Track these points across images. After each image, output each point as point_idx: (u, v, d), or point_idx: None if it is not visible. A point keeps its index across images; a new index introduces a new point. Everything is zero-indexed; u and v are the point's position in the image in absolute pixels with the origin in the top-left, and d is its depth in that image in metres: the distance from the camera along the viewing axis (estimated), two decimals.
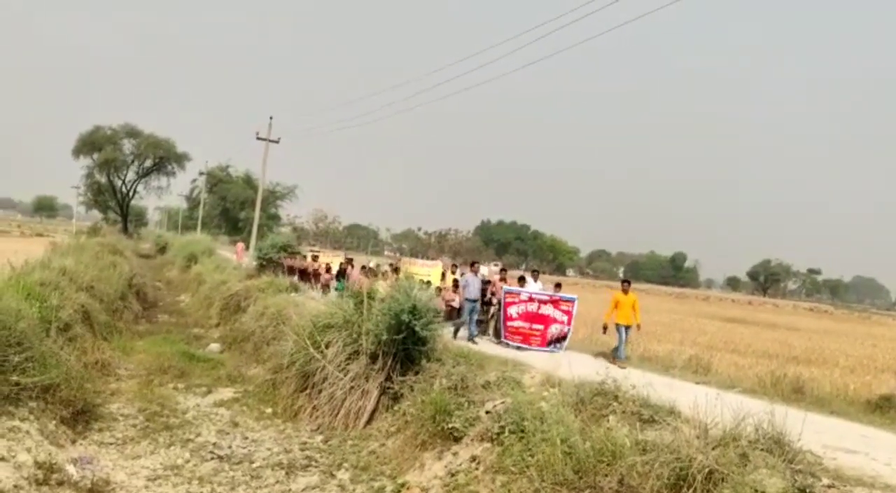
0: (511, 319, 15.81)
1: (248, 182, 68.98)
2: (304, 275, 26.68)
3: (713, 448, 6.73)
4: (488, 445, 9.17)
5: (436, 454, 9.73)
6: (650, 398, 8.94)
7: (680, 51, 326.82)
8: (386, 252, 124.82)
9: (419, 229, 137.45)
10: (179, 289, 34.51)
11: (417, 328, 11.54)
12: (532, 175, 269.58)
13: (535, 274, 18.11)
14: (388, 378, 11.87)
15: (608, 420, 8.61)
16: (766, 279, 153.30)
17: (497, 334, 16.45)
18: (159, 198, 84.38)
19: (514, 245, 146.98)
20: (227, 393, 13.95)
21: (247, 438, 11.35)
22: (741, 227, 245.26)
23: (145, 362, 15.50)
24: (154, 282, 34.93)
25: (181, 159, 77.10)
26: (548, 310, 15.83)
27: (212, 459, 10.17)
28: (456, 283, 17.99)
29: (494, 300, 16.77)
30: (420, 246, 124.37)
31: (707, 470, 6.20)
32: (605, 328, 15.39)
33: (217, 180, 72.41)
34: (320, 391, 12.30)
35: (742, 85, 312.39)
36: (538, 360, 13.15)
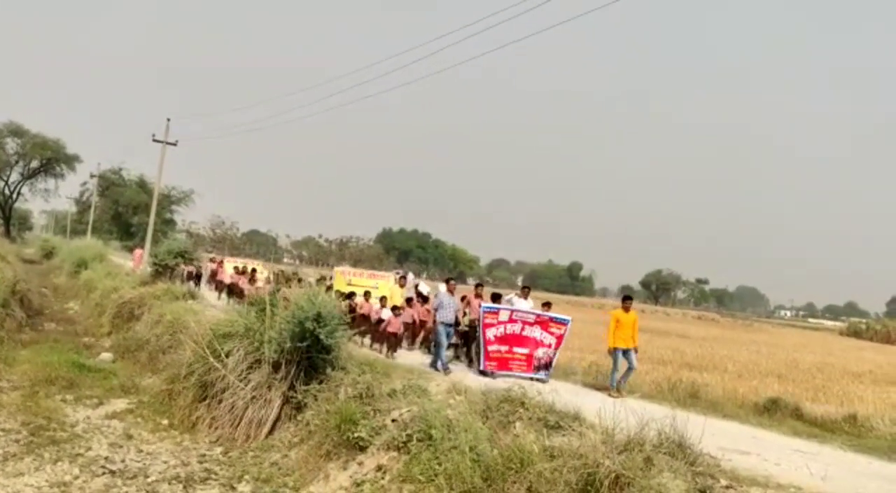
0: (490, 342, 13.53)
1: (143, 186, 66.59)
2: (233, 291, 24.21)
3: (619, 453, 6.86)
4: (395, 454, 9.09)
5: (341, 464, 9.57)
6: (555, 404, 9.08)
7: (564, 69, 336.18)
8: (285, 259, 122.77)
9: (320, 236, 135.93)
10: (68, 296, 32.88)
11: (322, 336, 11.33)
12: (433, 184, 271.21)
13: (526, 291, 15.76)
14: (292, 387, 11.61)
15: (515, 427, 8.68)
16: (658, 288, 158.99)
17: (472, 361, 14.47)
18: (46, 201, 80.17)
19: (415, 253, 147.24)
20: (120, 404, 13.33)
21: (141, 451, 10.86)
22: (634, 237, 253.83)
23: (30, 373, 14.63)
24: (40, 288, 33.15)
25: (71, 161, 73.92)
26: (534, 332, 13.75)
27: (103, 474, 9.65)
28: (409, 300, 16.45)
29: (466, 321, 14.62)
30: (321, 253, 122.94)
31: (614, 475, 6.31)
32: (611, 352, 13.12)
33: (109, 184, 69.49)
34: (220, 402, 11.90)
35: (631, 101, 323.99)
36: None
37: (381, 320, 15.80)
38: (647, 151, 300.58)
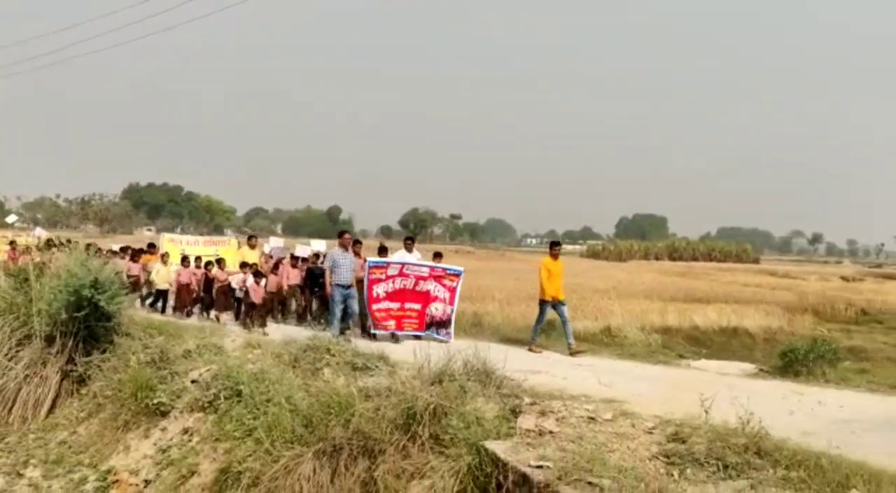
0: (377, 300, 12.19)
1: None
2: None
3: (431, 385, 7.27)
4: (200, 414, 8.93)
5: (141, 432, 9.23)
6: (358, 348, 9.37)
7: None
8: (17, 224, 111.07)
9: (58, 196, 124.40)
10: None
11: (102, 303, 10.66)
12: (186, 133, 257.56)
13: (410, 243, 14.20)
14: (70, 360, 10.88)
15: (324, 373, 8.86)
16: (416, 226, 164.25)
17: (364, 325, 12.71)
18: None
19: (167, 208, 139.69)
20: None
21: None
22: (392, 178, 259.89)
23: None
24: None
25: None
26: (428, 286, 12.57)
27: None
28: (277, 265, 14.91)
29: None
30: (60, 215, 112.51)
31: (432, 406, 6.67)
32: (542, 305, 11.87)
33: None
34: None
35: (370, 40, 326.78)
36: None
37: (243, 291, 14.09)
38: (395, 92, 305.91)
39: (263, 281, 13.81)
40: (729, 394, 6.77)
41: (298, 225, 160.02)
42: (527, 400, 7.25)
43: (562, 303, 11.83)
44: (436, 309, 12.61)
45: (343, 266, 12.07)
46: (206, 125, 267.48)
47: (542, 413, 6.85)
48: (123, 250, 16.97)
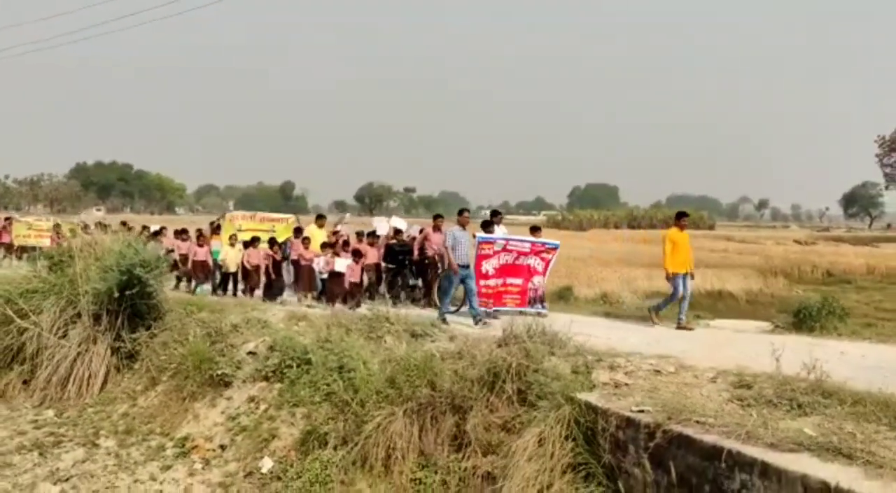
0: (486, 277, 12.07)
1: None
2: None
3: (498, 347, 7.94)
4: (263, 383, 9.46)
5: (207, 402, 9.69)
6: (409, 316, 9.98)
7: None
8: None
9: (6, 177, 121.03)
10: None
11: (151, 281, 11.05)
12: (132, 112, 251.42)
13: (499, 218, 13.97)
14: (118, 337, 11.26)
15: (385, 340, 9.45)
16: (371, 200, 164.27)
17: (428, 299, 12.68)
18: None
19: (117, 187, 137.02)
20: None
21: None
22: (345, 153, 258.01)
23: None
24: None
25: None
26: (529, 260, 12.50)
27: None
28: (346, 242, 14.64)
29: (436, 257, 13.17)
30: (10, 196, 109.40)
31: (514, 365, 7.34)
32: (669, 277, 11.32)
33: None
34: (37, 364, 11.18)
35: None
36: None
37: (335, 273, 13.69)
38: (348, 65, 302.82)
39: (361, 260, 13.69)
40: (763, 348, 7.52)
41: (251, 201, 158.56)
42: (590, 357, 7.97)
43: (688, 276, 11.44)
44: (538, 283, 12.58)
45: (464, 245, 11.63)
46: (154, 103, 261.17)
47: (612, 368, 7.58)
48: (182, 231, 16.38)
